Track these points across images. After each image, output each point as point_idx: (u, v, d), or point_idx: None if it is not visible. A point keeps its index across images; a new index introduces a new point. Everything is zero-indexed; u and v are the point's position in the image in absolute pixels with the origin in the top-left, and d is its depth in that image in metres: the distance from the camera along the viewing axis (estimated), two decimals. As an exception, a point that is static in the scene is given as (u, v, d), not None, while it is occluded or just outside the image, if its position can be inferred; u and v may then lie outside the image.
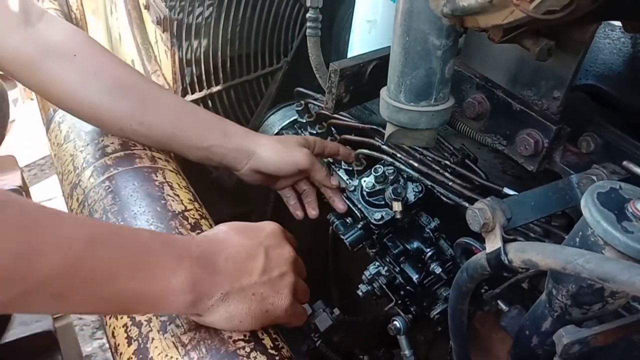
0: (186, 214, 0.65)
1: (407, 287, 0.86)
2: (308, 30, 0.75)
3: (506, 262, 0.45)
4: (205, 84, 1.14)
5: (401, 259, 0.85)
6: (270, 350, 0.53)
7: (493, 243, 0.47)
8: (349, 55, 0.88)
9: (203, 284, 0.51)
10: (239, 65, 1.19)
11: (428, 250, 0.82)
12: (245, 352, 0.51)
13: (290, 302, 0.60)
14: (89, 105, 0.72)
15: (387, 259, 0.87)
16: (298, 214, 0.92)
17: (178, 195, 0.68)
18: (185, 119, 0.76)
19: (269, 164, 0.81)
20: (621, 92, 0.75)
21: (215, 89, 1.16)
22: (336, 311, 0.94)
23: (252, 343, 0.52)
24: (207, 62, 1.13)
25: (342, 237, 0.88)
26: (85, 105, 0.72)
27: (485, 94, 0.61)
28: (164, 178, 0.70)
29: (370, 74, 0.68)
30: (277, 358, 0.52)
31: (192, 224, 0.64)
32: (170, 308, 0.51)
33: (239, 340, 0.52)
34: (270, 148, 0.81)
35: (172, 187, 0.69)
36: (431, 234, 0.83)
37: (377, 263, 0.90)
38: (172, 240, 0.54)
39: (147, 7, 0.87)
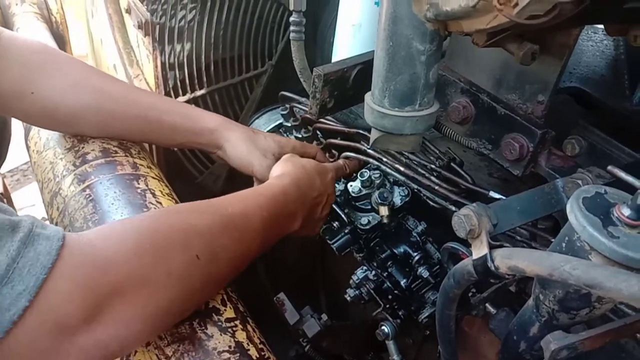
0: (169, 222, 0.63)
1: (395, 292, 0.86)
2: (292, 34, 0.74)
3: (492, 268, 0.45)
4: (189, 87, 1.13)
5: (388, 263, 0.84)
6: (256, 361, 0.52)
7: (479, 249, 0.46)
8: (333, 59, 0.87)
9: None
10: (223, 68, 1.18)
11: (415, 254, 0.82)
12: (230, 363, 0.50)
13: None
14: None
15: (375, 264, 0.87)
16: None
17: (161, 203, 0.67)
18: (152, 125, 0.79)
19: (231, 160, 0.85)
20: (604, 94, 0.75)
21: (199, 92, 1.14)
22: (324, 317, 0.94)
23: (238, 354, 0.51)
24: (190, 65, 1.11)
25: (329, 242, 0.87)
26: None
27: (470, 98, 0.61)
28: (146, 185, 0.68)
29: (355, 79, 0.68)
30: (263, 368, 0.52)
31: (175, 232, 0.63)
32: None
33: (223, 351, 0.51)
34: (234, 148, 0.83)
35: (154, 195, 0.67)
36: (418, 238, 0.83)
37: (365, 268, 0.90)
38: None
39: (128, 11, 0.86)
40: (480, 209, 0.47)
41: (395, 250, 0.83)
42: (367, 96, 0.57)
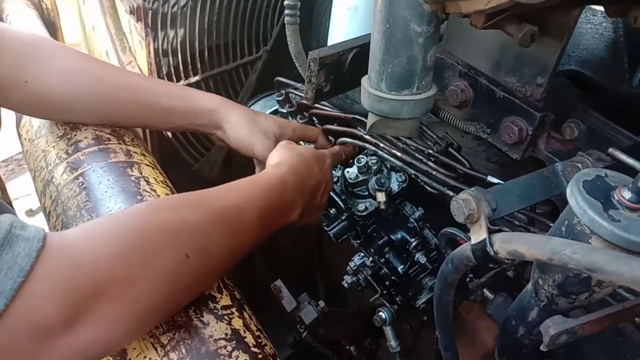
0: (163, 209, 0.63)
1: (392, 277, 0.85)
2: (286, 18, 0.73)
3: (492, 253, 0.44)
4: (182, 74, 1.11)
5: (386, 249, 0.84)
6: (252, 349, 0.51)
7: (478, 234, 0.46)
8: (329, 44, 0.86)
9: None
10: (217, 55, 1.16)
11: (412, 240, 0.81)
12: (227, 351, 0.50)
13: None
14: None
15: (372, 250, 0.86)
16: None
17: (155, 191, 0.66)
18: (149, 108, 0.77)
19: (231, 142, 0.83)
20: (603, 77, 0.74)
21: (193, 79, 1.13)
22: (321, 303, 0.93)
23: (234, 342, 0.51)
24: (184, 52, 1.10)
25: (326, 228, 0.87)
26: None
27: (468, 82, 0.60)
28: (140, 173, 0.67)
29: (351, 63, 0.66)
30: (260, 356, 0.51)
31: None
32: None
33: (220, 339, 0.51)
34: (235, 128, 0.81)
35: (148, 182, 0.66)
36: (415, 224, 0.82)
37: (362, 254, 0.89)
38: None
39: (119, -4, 0.84)
40: (479, 194, 0.46)
41: (392, 237, 0.83)
42: (364, 80, 0.56)
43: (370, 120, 0.57)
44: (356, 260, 0.89)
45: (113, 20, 0.97)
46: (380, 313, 0.83)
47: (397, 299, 0.88)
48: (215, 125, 0.82)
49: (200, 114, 0.80)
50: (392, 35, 0.50)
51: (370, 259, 0.88)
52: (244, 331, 0.53)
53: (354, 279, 0.90)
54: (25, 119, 0.83)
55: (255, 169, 0.90)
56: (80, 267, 0.44)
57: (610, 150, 0.50)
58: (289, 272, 1.05)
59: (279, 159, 0.73)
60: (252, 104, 1.08)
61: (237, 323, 0.54)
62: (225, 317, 0.54)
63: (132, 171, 0.67)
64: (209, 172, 1.30)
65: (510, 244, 0.43)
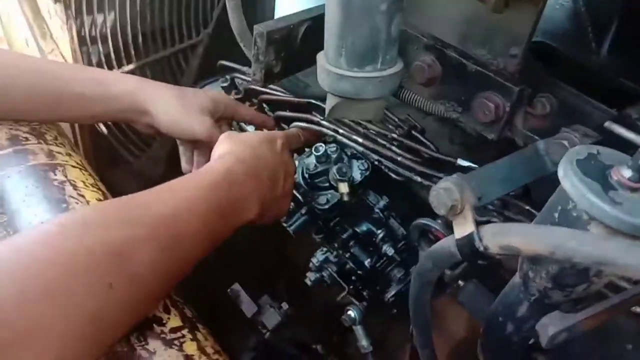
0: (95, 218, 0.54)
1: (359, 272, 0.80)
2: (227, -9, 0.65)
3: (481, 249, 0.38)
4: (115, 62, 1.01)
5: (350, 243, 0.78)
6: None
7: (463, 227, 0.40)
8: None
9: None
10: (154, 40, 1.07)
11: (379, 231, 0.76)
12: None
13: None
14: None
15: (336, 244, 0.80)
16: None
17: (83, 196, 0.56)
18: (60, 98, 0.66)
19: (162, 126, 0.72)
20: (571, 49, 0.71)
21: (127, 67, 1.03)
22: (284, 305, 0.87)
23: None
24: (115, 38, 0.99)
25: (284, 224, 0.80)
26: None
27: (436, 55, 0.54)
28: (65, 176, 0.58)
29: (303, 38, 0.59)
30: None
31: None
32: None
33: None
34: (163, 109, 0.71)
35: (75, 187, 0.57)
36: (381, 214, 0.76)
37: (325, 249, 0.83)
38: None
39: (33, -24, 0.73)
40: (461, 181, 0.40)
41: (357, 229, 0.77)
42: (320, 56, 0.49)
43: (330, 102, 0.50)
44: (319, 256, 0.83)
45: (30, 4, 0.85)
46: (349, 312, 0.77)
47: (364, 293, 0.82)
48: (139, 109, 0.70)
49: (118, 98, 0.69)
50: (350, 2, 0.43)
51: (334, 253, 0.82)
52: (199, 356, 0.45)
53: (318, 275, 0.84)
54: None
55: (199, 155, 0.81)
56: None
57: (607, 123, 0.45)
58: (245, 273, 0.97)
59: (223, 151, 0.63)
60: (195, 92, 0.99)
61: (190, 348, 0.46)
62: (176, 341, 0.46)
63: (55, 174, 0.57)
64: (152, 169, 1.19)
65: (503, 238, 0.37)
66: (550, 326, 0.40)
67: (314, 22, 0.58)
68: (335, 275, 0.81)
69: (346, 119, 0.67)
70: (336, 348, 1.03)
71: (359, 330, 0.78)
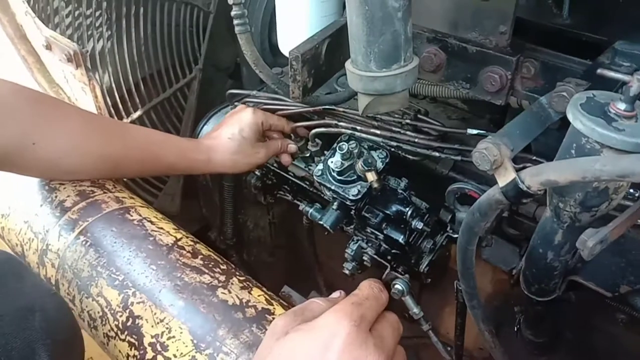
0: (179, 243, 0.61)
1: (393, 251, 0.88)
2: (237, 28, 0.73)
3: (525, 189, 0.47)
4: (123, 112, 1.07)
5: (384, 225, 0.86)
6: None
7: (505, 176, 0.49)
8: (285, 41, 0.85)
9: None
10: (153, 85, 1.14)
11: (407, 209, 0.84)
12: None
13: None
14: None
15: (369, 230, 0.88)
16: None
17: (162, 228, 0.64)
18: (159, 163, 0.78)
19: (227, 169, 0.86)
20: (535, 16, 0.81)
21: (135, 115, 1.09)
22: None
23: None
24: (119, 88, 1.06)
25: (320, 222, 0.87)
26: None
27: (438, 45, 0.64)
28: (140, 215, 0.65)
29: (326, 53, 0.68)
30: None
31: (191, 251, 0.60)
32: None
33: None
34: (233, 165, 0.84)
35: (152, 222, 0.64)
36: (404, 194, 0.85)
37: (356, 238, 0.91)
38: None
39: (48, 47, 0.80)
40: (496, 140, 0.49)
41: (387, 211, 0.85)
42: (349, 65, 0.58)
43: (363, 101, 0.59)
44: (352, 245, 0.91)
45: (43, 74, 0.91)
46: (397, 286, 0.85)
47: (400, 269, 0.90)
48: (209, 170, 0.85)
49: (197, 166, 0.83)
50: (372, 16, 0.52)
51: (366, 240, 0.90)
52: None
53: (354, 264, 0.92)
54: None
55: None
56: None
57: (599, 70, 0.55)
58: (288, 274, 1.05)
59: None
60: (204, 124, 1.06)
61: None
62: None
63: (132, 215, 0.65)
64: (171, 205, 1.26)
65: (541, 175, 0.46)
66: (588, 240, 0.49)
67: (332, 38, 0.67)
68: (376, 257, 0.89)
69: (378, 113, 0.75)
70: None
71: (408, 300, 0.86)
